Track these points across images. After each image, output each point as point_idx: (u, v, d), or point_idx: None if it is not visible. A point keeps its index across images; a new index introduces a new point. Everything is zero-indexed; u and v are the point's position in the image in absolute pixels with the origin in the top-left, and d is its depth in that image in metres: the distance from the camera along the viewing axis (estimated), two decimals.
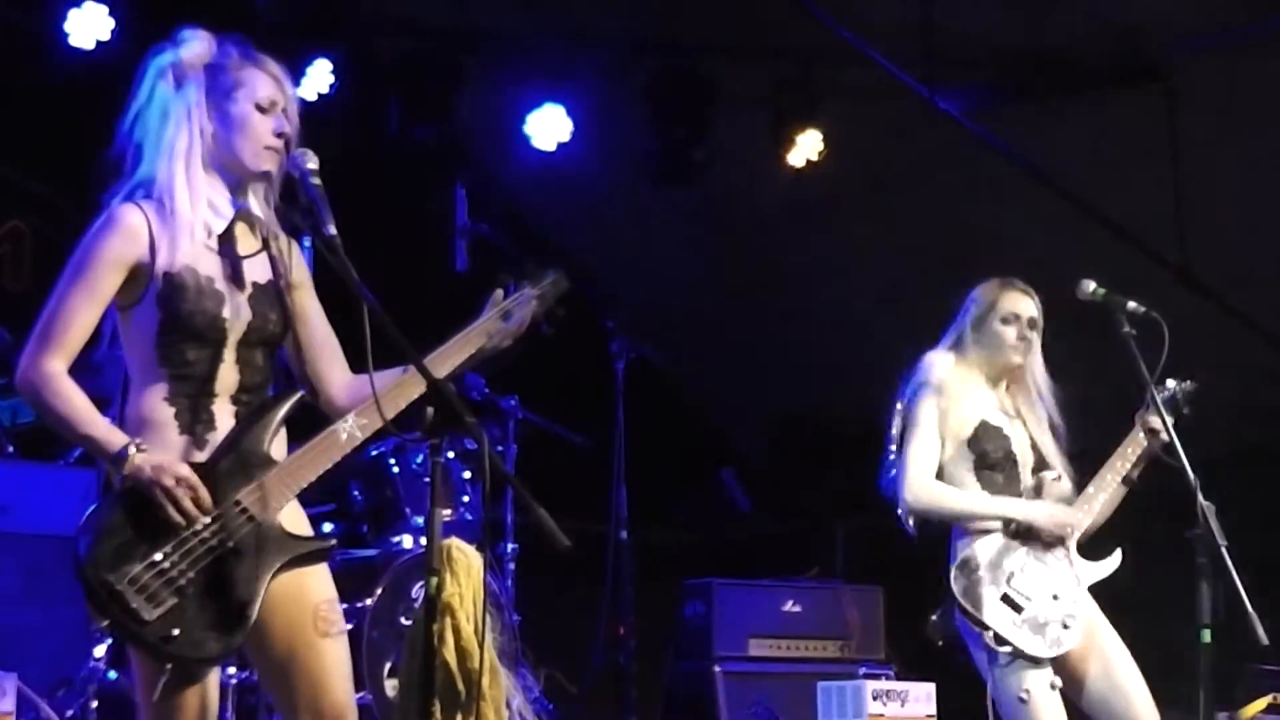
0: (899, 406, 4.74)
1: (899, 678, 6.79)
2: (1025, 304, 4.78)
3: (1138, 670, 4.58)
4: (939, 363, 4.74)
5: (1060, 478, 4.71)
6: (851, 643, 7.25)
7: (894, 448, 4.71)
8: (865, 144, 8.18)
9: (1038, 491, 4.67)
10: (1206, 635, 4.06)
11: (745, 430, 10.21)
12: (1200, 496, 4.15)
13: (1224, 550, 4.08)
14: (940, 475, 4.65)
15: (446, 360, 3.45)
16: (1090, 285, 4.63)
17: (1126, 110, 7.75)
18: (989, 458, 4.65)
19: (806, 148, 8.14)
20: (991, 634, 4.44)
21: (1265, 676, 6.00)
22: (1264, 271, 7.87)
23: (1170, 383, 4.84)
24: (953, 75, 7.69)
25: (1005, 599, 4.49)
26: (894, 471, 4.69)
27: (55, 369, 3.24)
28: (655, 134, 8.08)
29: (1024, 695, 4.43)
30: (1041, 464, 4.74)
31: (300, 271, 3.51)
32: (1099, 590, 4.68)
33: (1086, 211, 7.73)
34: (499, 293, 3.57)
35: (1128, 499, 4.74)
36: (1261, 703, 5.84)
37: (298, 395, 3.39)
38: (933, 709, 6.04)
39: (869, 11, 7.47)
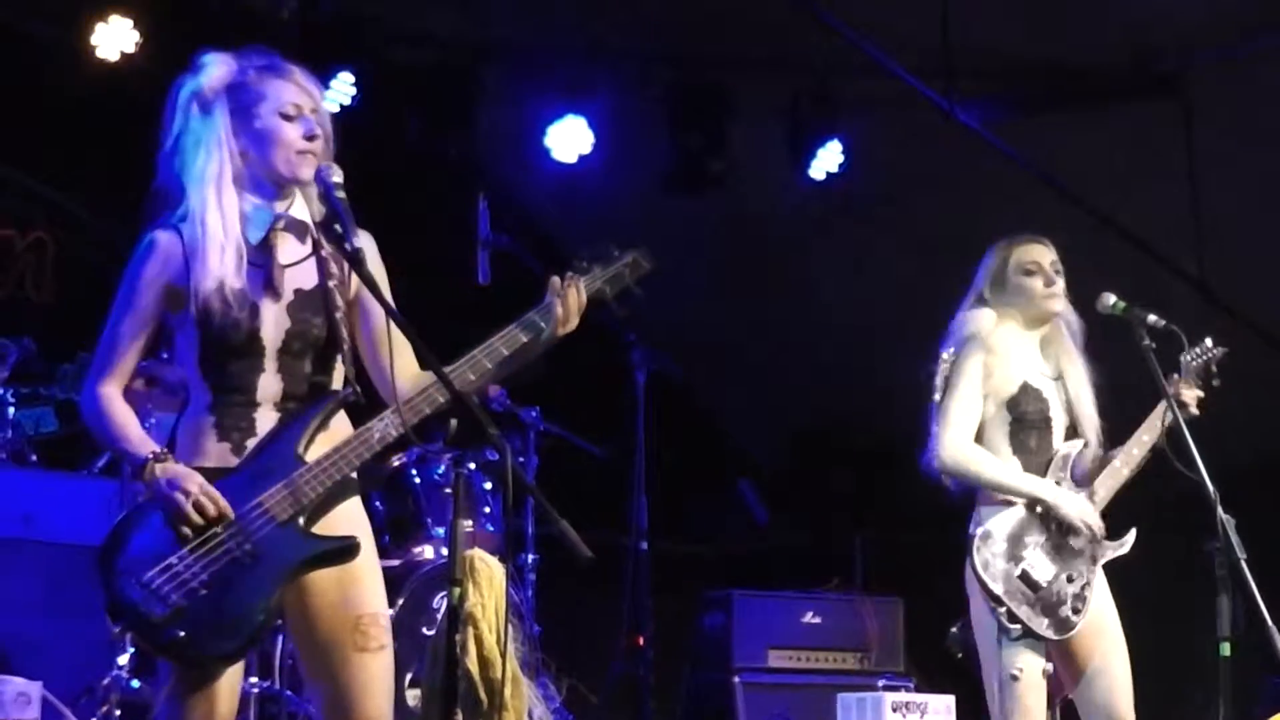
0: (944, 356, 4.68)
1: (919, 689, 6.79)
2: (1041, 251, 4.76)
3: (1128, 669, 4.57)
4: (985, 317, 4.69)
5: (1087, 446, 4.68)
6: (871, 654, 7.26)
7: (937, 398, 4.66)
8: (884, 155, 8.19)
9: (1061, 465, 4.63)
10: (1226, 648, 4.06)
11: (764, 441, 10.22)
12: (1220, 509, 4.15)
13: (1243, 563, 4.08)
14: (977, 433, 4.62)
15: (477, 368, 3.42)
16: (1110, 299, 4.63)
17: (1144, 122, 7.75)
18: (1026, 419, 4.61)
19: (825, 159, 8.15)
20: (1005, 610, 4.44)
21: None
22: None
23: (1205, 343, 4.81)
24: (971, 87, 7.70)
25: (1023, 576, 4.48)
26: (933, 425, 4.64)
27: (107, 392, 3.40)
28: (673, 145, 8.10)
29: (1016, 673, 4.43)
30: (1073, 429, 4.70)
31: (347, 275, 3.49)
32: (1116, 594, 4.67)
33: (1105, 223, 7.73)
34: (555, 280, 3.52)
35: (1147, 511, 4.73)
36: None
37: (338, 398, 3.42)
38: None
39: (887, 23, 7.48)
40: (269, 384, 3.37)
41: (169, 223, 3.41)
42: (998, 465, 4.59)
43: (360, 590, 3.40)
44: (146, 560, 3.21)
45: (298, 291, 3.42)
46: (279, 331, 3.38)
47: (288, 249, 3.45)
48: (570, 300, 3.49)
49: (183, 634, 3.18)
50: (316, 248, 3.46)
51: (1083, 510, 4.57)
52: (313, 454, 3.34)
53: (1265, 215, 7.82)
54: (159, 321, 3.41)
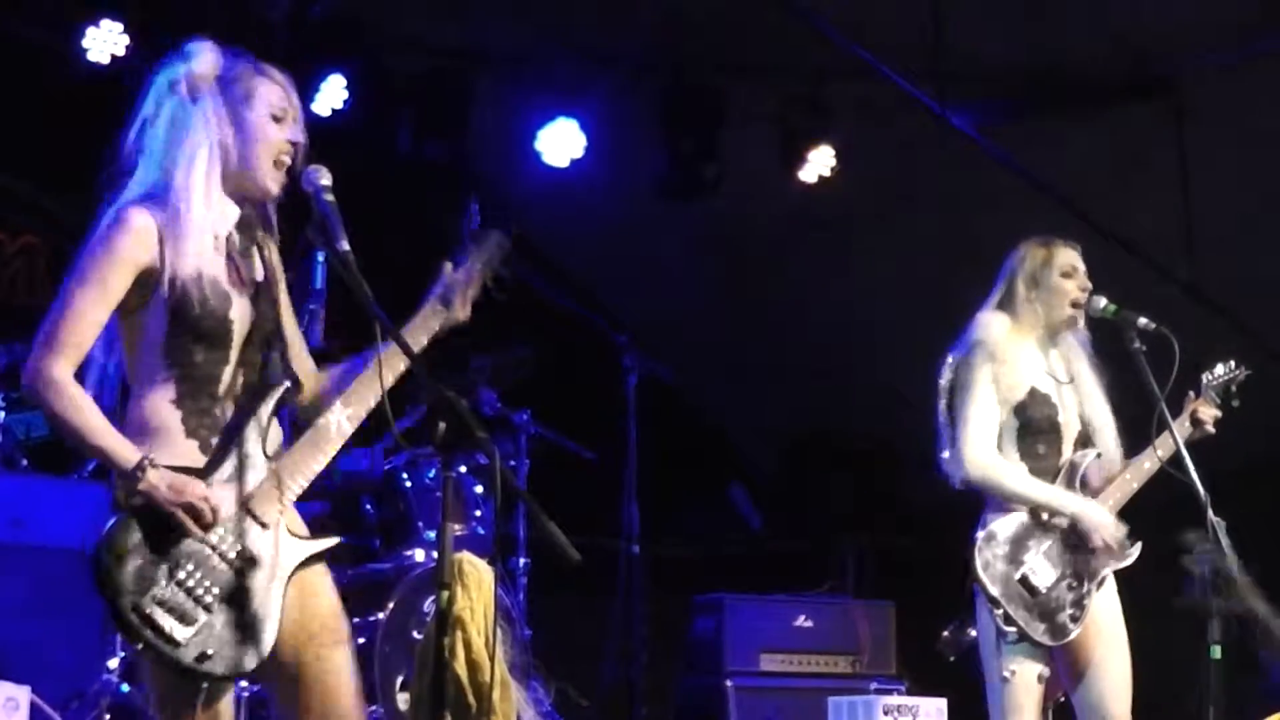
0: (950, 361, 4.65)
1: (910, 693, 6.79)
2: (1076, 256, 4.73)
3: (1127, 674, 4.57)
4: (994, 323, 4.65)
5: (1100, 456, 4.65)
6: (863, 658, 7.25)
7: (944, 404, 4.63)
8: (876, 160, 8.19)
9: (1071, 474, 4.60)
10: (1216, 651, 4.06)
11: (756, 446, 10.21)
12: (1210, 512, 4.15)
13: (1234, 565, 4.08)
14: None
15: (398, 354, 3.37)
16: (1101, 302, 4.63)
17: (1136, 125, 7.76)
18: (1034, 425, 4.57)
19: (817, 164, 8.15)
20: (1002, 613, 4.43)
21: (1277, 693, 5.98)
22: (1273, 285, 7.87)
23: (1230, 363, 4.81)
24: (963, 91, 7.71)
25: (1023, 580, 4.47)
26: (946, 435, 4.61)
27: (64, 375, 3.19)
28: (665, 150, 8.10)
29: (1008, 675, 4.43)
30: (1086, 437, 4.67)
31: (277, 269, 3.50)
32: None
33: (1096, 226, 7.73)
34: (448, 266, 3.55)
35: (1140, 514, 4.73)
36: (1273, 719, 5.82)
37: (281, 388, 3.37)
38: None
39: (880, 28, 7.48)
40: (232, 376, 3.32)
41: (139, 200, 3.31)
42: (1023, 477, 4.55)
43: (312, 587, 3.36)
44: (153, 575, 3.12)
45: (255, 284, 3.40)
46: (244, 323, 3.35)
47: (243, 243, 3.42)
48: (468, 287, 3.52)
49: (211, 652, 3.13)
50: (257, 242, 3.43)
51: (1104, 527, 4.55)
52: (270, 449, 3.31)
53: (1257, 218, 7.84)
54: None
